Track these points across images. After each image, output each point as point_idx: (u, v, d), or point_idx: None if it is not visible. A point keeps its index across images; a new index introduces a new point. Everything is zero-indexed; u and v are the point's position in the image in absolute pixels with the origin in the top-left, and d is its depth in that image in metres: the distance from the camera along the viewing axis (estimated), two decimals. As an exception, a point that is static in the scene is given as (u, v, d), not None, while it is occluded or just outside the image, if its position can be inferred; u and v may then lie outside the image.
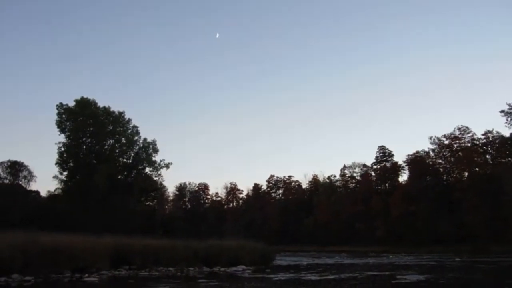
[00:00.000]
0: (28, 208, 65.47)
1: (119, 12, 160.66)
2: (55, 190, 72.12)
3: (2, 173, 77.22)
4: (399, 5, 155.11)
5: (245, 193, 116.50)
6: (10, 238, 20.69)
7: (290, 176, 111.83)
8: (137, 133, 67.25)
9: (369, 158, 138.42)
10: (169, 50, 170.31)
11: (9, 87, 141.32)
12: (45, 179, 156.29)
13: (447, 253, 54.44)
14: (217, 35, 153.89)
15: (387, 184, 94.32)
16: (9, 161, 78.00)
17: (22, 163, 78.80)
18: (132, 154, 67.12)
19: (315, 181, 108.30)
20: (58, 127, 63.63)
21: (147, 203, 72.95)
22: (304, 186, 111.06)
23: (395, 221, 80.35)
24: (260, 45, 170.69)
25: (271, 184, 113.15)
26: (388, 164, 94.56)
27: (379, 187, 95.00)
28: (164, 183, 78.56)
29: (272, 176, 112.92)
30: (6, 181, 76.62)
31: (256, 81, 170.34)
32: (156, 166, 66.92)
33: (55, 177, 64.80)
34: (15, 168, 77.86)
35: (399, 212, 79.44)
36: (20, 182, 78.15)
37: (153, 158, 67.06)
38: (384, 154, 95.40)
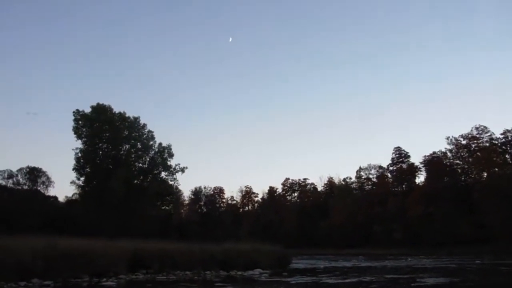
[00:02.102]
0: (46, 213, 66.25)
1: (133, 17, 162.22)
2: (72, 195, 73.10)
3: (21, 179, 78.56)
4: (418, 14, 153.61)
5: (260, 196, 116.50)
6: (31, 243, 20.90)
7: (305, 179, 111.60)
8: (152, 137, 67.81)
9: (385, 159, 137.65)
10: (183, 54, 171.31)
11: (27, 95, 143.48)
12: (63, 185, 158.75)
13: (467, 255, 53.51)
14: (230, 39, 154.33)
15: (404, 186, 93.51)
16: (27, 167, 79.35)
17: (40, 169, 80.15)
18: (148, 159, 67.68)
19: (330, 183, 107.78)
20: (75, 133, 64.48)
21: (163, 207, 73.34)
22: (319, 188, 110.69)
23: (413, 223, 79.46)
24: (274, 48, 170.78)
25: (286, 187, 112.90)
26: (404, 165, 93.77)
27: (396, 189, 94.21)
28: (180, 187, 78.90)
29: (287, 179, 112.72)
30: (25, 187, 77.88)
31: (270, 84, 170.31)
32: (171, 171, 67.38)
33: (73, 182, 65.72)
34: (34, 174, 79.08)
35: (417, 214, 78.54)
36: (39, 188, 79.36)
37: (169, 163, 67.56)
38: (400, 155, 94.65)
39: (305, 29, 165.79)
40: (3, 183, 76.06)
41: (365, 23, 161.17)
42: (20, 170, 78.60)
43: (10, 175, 77.39)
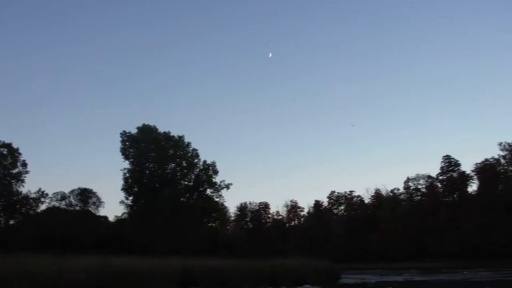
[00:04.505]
0: (98, 233, 68.28)
1: (174, 39, 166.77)
2: (122, 215, 75.08)
3: (73, 201, 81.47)
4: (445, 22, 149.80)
5: (306, 210, 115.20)
6: (84, 261, 21.46)
7: (351, 191, 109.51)
8: (197, 155, 68.85)
9: (433, 168, 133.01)
10: (223, 71, 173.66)
11: (77, 120, 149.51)
12: (113, 205, 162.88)
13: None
14: (270, 55, 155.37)
15: (455, 195, 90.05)
16: (79, 188, 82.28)
17: (91, 190, 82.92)
18: (193, 177, 68.66)
19: (377, 195, 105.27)
20: (122, 154, 66.48)
21: (209, 224, 73.97)
22: (366, 201, 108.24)
23: (468, 234, 76.13)
24: (311, 61, 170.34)
25: (332, 200, 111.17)
26: (455, 174, 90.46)
27: (447, 199, 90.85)
28: (225, 203, 79.40)
29: (333, 192, 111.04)
30: (77, 208, 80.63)
31: (314, 97, 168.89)
32: (216, 187, 68.00)
33: (122, 202, 67.61)
34: (85, 195, 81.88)
35: (472, 225, 75.29)
36: (90, 208, 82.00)
37: (213, 180, 68.24)
38: (450, 164, 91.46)
39: (342, 38, 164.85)
40: (57, 204, 79.15)
41: (407, 21, 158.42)
42: (72, 191, 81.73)
43: (63, 197, 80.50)
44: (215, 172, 68.35)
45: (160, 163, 67.22)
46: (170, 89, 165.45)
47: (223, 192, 68.35)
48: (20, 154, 68.41)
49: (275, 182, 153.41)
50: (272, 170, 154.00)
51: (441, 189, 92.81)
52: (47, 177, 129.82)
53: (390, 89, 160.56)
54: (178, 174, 68.37)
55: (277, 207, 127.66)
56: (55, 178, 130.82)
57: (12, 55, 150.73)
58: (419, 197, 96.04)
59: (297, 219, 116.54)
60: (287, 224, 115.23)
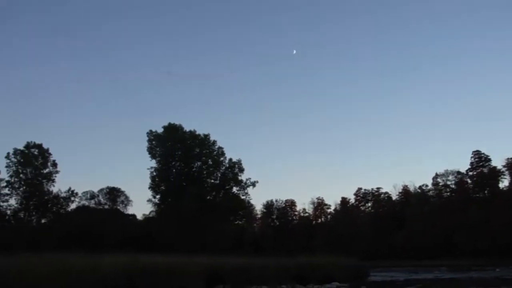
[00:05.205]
0: (126, 231, 69.36)
1: (199, 35, 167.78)
2: (149, 213, 76.13)
3: (102, 199, 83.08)
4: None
5: (332, 207, 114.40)
6: (114, 260, 21.81)
7: (378, 188, 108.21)
8: (223, 154, 69.13)
9: (462, 164, 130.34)
10: (248, 68, 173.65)
11: (105, 120, 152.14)
12: (141, 203, 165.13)
13: None
14: (294, 52, 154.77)
15: (486, 192, 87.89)
16: (107, 187, 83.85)
17: (119, 189, 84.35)
18: (219, 175, 68.99)
19: (405, 192, 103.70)
20: (149, 153, 67.32)
21: (236, 222, 74.20)
22: (394, 197, 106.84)
23: (499, 231, 74.22)
24: (337, 58, 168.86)
25: (359, 197, 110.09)
26: (485, 170, 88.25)
27: (477, 195, 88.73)
28: (251, 201, 79.51)
29: (359, 189, 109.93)
30: (106, 207, 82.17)
31: (340, 92, 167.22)
32: (242, 185, 68.16)
33: (149, 200, 68.52)
34: (113, 194, 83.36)
35: (504, 221, 73.37)
36: (118, 207, 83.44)
37: (239, 177, 68.40)
38: (480, 159, 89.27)
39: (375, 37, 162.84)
40: (86, 203, 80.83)
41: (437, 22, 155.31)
42: (100, 190, 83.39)
43: (92, 196, 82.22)
44: (241, 170, 68.54)
45: (186, 162, 67.82)
46: (195, 87, 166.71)
47: (249, 190, 68.54)
48: (50, 154, 70.08)
49: (301, 180, 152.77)
50: (298, 168, 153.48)
51: (471, 185, 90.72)
52: (77, 177, 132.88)
53: (420, 83, 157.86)
54: (204, 172, 68.85)
55: (304, 204, 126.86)
56: (84, 177, 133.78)
57: (42, 57, 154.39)
58: (448, 194, 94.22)
59: (323, 217, 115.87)
60: (314, 222, 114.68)
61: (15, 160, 67.80)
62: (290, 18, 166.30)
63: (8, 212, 68.48)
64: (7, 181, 67.35)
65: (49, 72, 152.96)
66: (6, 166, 67.45)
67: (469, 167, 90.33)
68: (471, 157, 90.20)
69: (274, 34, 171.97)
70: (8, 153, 67.61)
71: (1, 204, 67.83)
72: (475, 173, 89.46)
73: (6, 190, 67.43)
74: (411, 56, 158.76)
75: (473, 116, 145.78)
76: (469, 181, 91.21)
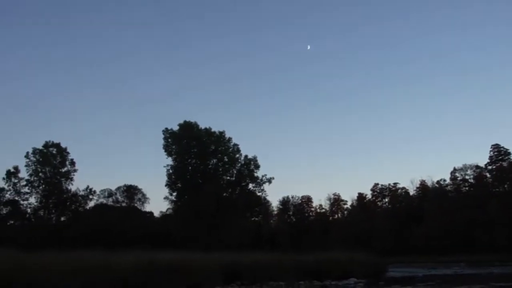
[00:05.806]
0: (144, 228, 70.01)
1: (212, 36, 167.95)
2: (166, 210, 76.78)
3: (119, 197, 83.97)
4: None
5: (349, 203, 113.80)
6: (131, 257, 22.01)
7: (395, 183, 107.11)
8: (238, 151, 69.26)
9: (481, 158, 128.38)
10: (262, 64, 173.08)
11: (122, 119, 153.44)
12: (158, 201, 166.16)
13: None
14: (309, 47, 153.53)
15: (505, 186, 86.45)
16: (124, 185, 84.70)
17: (136, 186, 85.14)
18: (235, 172, 69.15)
19: (423, 186, 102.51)
20: (165, 151, 67.77)
21: (252, 219, 74.30)
22: (411, 192, 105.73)
23: (520, 226, 72.94)
24: (352, 55, 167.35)
25: (376, 193, 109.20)
26: (505, 164, 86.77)
27: (497, 189, 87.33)
28: (268, 197, 79.55)
29: (376, 184, 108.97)
30: (124, 204, 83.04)
31: (356, 88, 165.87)
32: (258, 182, 68.25)
33: (166, 198, 69.03)
34: (131, 191, 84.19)
35: (524, 216, 72.08)
36: (136, 205, 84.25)
37: (255, 174, 68.49)
38: (500, 153, 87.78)
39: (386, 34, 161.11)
40: (104, 201, 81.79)
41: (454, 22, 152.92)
42: (118, 188, 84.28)
43: (110, 194, 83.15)
44: (257, 166, 68.60)
45: (202, 159, 68.11)
46: (209, 85, 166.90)
47: (265, 186, 68.60)
48: (68, 153, 71.17)
49: (318, 176, 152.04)
50: (314, 163, 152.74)
51: (491, 180, 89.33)
52: (95, 175, 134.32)
53: (438, 76, 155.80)
54: (220, 169, 69.08)
55: (320, 200, 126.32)
56: (102, 176, 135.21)
57: (59, 59, 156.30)
58: (467, 188, 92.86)
59: (340, 212, 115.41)
60: (330, 218, 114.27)
61: (34, 159, 69.03)
62: (304, 16, 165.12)
63: (28, 210, 69.86)
64: (27, 180, 68.72)
65: (66, 74, 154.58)
66: (26, 165, 68.96)
67: (488, 161, 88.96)
68: (490, 151, 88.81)
69: (290, 30, 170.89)
70: (28, 153, 68.93)
71: (22, 202, 69.30)
72: (494, 167, 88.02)
73: (26, 189, 68.86)
74: (429, 45, 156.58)
75: (492, 109, 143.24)
76: (488, 175, 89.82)
